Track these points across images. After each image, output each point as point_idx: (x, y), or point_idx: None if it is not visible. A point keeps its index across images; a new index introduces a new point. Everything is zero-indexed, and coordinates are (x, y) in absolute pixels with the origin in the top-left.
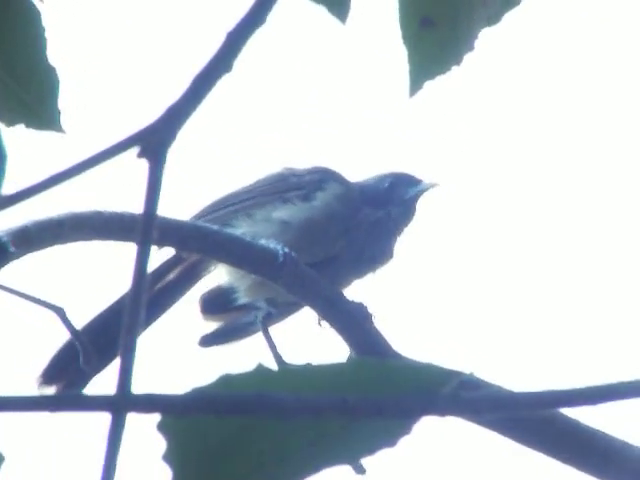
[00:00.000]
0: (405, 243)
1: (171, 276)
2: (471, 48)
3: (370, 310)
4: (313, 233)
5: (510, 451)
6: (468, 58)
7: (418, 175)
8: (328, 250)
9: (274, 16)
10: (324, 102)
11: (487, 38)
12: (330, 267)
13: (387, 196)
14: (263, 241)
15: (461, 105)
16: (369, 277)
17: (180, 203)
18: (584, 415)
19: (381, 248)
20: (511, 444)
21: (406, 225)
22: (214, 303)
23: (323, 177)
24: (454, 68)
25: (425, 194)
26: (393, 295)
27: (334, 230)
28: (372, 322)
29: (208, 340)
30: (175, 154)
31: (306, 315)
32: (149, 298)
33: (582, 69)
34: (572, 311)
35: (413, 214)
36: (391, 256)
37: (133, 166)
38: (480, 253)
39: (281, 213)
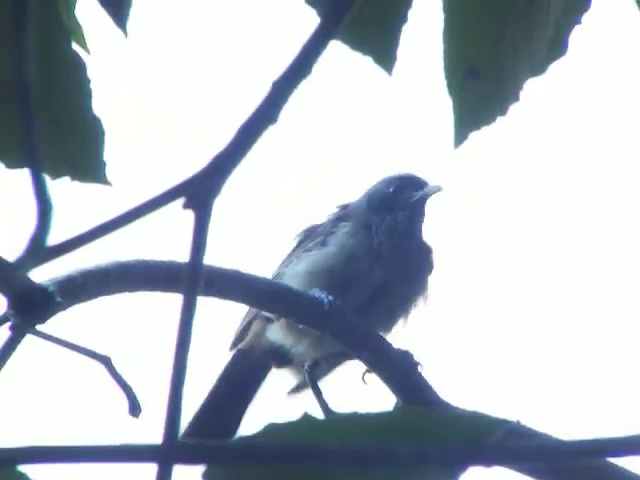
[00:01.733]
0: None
1: (252, 360)
2: (517, 99)
3: (416, 358)
4: (339, 275)
5: None
6: (513, 108)
7: (424, 177)
8: (368, 283)
9: (319, 67)
10: (370, 151)
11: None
12: (385, 296)
13: (393, 200)
14: (309, 290)
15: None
16: (419, 300)
17: (227, 252)
18: (634, 464)
19: (408, 249)
20: None
21: (417, 227)
22: (274, 356)
23: (337, 218)
24: (499, 118)
25: (431, 197)
26: (438, 342)
27: (361, 264)
28: (418, 370)
29: (294, 389)
30: (222, 204)
31: (353, 364)
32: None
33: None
34: (623, 357)
35: (421, 216)
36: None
37: (180, 216)
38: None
39: (303, 265)
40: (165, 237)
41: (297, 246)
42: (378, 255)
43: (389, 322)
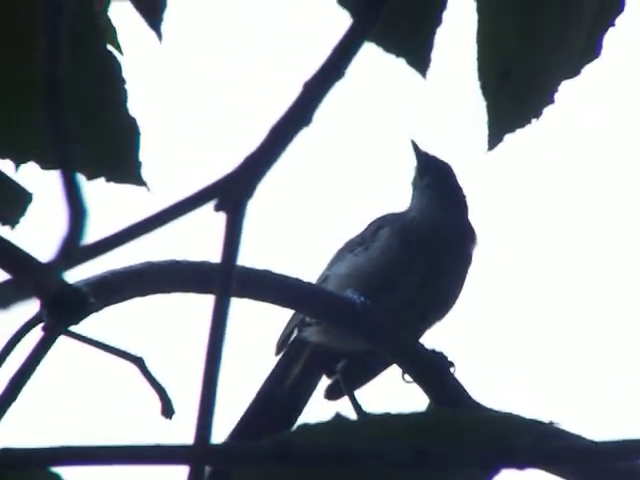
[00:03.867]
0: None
1: (298, 367)
2: (551, 101)
3: (449, 359)
4: (380, 278)
5: None
6: (547, 111)
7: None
8: (409, 285)
9: (353, 69)
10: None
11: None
12: (424, 297)
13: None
14: (342, 291)
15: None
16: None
17: (261, 254)
18: None
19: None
20: None
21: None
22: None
23: (379, 226)
24: (533, 121)
25: (420, 159)
26: (471, 343)
27: (403, 267)
28: (451, 371)
29: (331, 393)
30: (256, 206)
31: (389, 367)
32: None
33: None
34: None
35: (436, 184)
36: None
37: (214, 218)
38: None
39: (344, 267)
40: (201, 239)
41: (342, 249)
42: (418, 256)
43: (426, 323)
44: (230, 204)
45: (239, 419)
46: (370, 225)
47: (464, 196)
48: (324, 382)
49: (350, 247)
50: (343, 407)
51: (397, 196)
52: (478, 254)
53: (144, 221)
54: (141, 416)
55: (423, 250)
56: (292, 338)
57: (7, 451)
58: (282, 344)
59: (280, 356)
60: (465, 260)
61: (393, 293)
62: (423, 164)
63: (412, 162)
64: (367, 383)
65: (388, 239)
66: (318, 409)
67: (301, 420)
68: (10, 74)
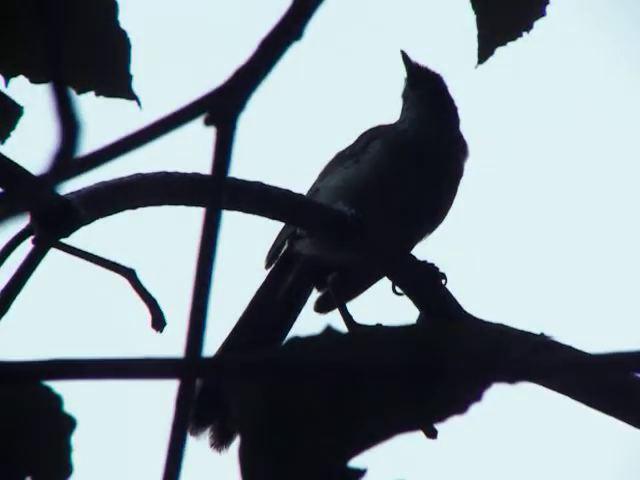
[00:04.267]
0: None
1: (288, 279)
2: (542, 14)
3: (440, 271)
4: (371, 190)
5: (584, 416)
6: (538, 24)
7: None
8: (400, 198)
9: None
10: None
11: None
12: (415, 208)
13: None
14: (332, 203)
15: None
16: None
17: (252, 169)
18: None
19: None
20: (584, 409)
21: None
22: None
23: (370, 138)
24: (524, 34)
25: (409, 68)
26: (463, 253)
27: (395, 180)
28: (442, 282)
29: (322, 305)
30: (246, 120)
31: (380, 279)
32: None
33: None
34: None
35: (427, 95)
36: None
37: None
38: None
39: (335, 180)
40: (194, 153)
41: (333, 162)
42: (410, 168)
43: (417, 235)
44: (220, 117)
45: (230, 332)
46: (361, 137)
47: (456, 108)
48: (315, 295)
49: (341, 160)
50: (334, 320)
51: (388, 108)
52: (469, 166)
53: (135, 134)
54: (132, 329)
55: (415, 162)
56: (283, 251)
57: None
58: (273, 257)
59: (270, 269)
60: (456, 172)
61: (384, 206)
62: (414, 75)
63: (403, 73)
64: (358, 295)
65: (379, 152)
66: (309, 322)
67: (292, 333)
68: None
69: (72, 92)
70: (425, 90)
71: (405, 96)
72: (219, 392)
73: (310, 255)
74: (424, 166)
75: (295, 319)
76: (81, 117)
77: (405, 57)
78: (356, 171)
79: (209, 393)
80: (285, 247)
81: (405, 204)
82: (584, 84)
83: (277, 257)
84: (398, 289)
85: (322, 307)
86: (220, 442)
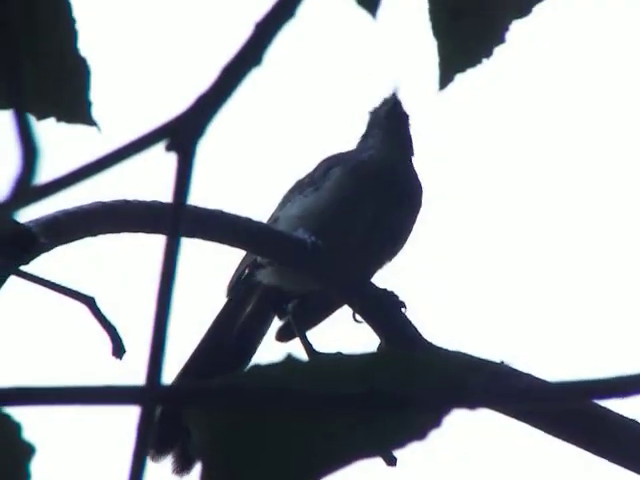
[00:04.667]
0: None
1: (249, 308)
2: (502, 40)
3: (400, 298)
4: (332, 218)
5: (542, 443)
6: (498, 51)
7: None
8: (360, 224)
9: (303, 10)
10: (353, 96)
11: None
12: (375, 237)
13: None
14: (293, 231)
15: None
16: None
17: (212, 195)
18: (617, 405)
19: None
20: (542, 435)
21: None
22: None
23: (329, 166)
24: (484, 61)
25: (396, 101)
26: (422, 283)
27: (352, 206)
28: (402, 310)
29: (283, 334)
30: (205, 147)
31: (340, 307)
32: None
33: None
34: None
35: (397, 125)
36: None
37: (164, 159)
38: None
39: (295, 208)
40: (153, 180)
41: (292, 190)
42: (370, 195)
43: (377, 263)
44: (181, 144)
45: (188, 360)
46: (319, 165)
47: (413, 147)
48: (276, 324)
49: (300, 188)
50: (295, 348)
51: (344, 135)
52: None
53: (95, 161)
54: (92, 357)
55: (377, 189)
56: (243, 278)
57: None
58: (234, 286)
59: (230, 297)
60: (416, 202)
61: (344, 233)
62: (394, 107)
63: (379, 103)
64: (318, 323)
65: (340, 177)
66: (270, 351)
67: (252, 362)
68: None
69: (32, 119)
70: (397, 124)
71: (374, 124)
72: (179, 418)
73: (271, 284)
74: (384, 193)
75: (255, 348)
76: (40, 143)
77: (396, 90)
78: (316, 199)
79: (169, 419)
80: (245, 275)
81: (365, 231)
82: (546, 108)
83: (238, 286)
84: (358, 317)
85: (283, 336)
86: (182, 467)
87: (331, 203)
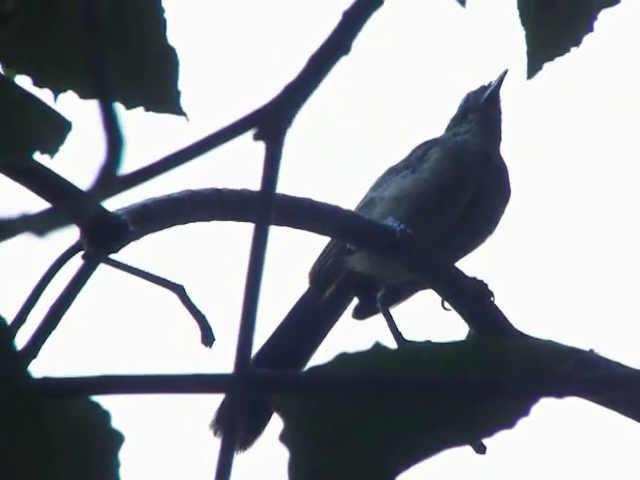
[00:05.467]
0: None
1: (328, 294)
2: (590, 29)
3: (489, 287)
4: (429, 200)
5: (631, 431)
6: (587, 40)
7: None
8: (456, 210)
9: None
10: (440, 86)
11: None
12: (468, 223)
13: (465, 110)
14: (382, 220)
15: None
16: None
17: (301, 184)
18: None
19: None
20: (631, 424)
21: (494, 124)
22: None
23: (426, 148)
24: (573, 50)
25: (499, 87)
26: (512, 271)
27: (456, 188)
28: (492, 299)
29: (360, 312)
30: (294, 136)
31: (428, 294)
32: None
33: None
34: None
35: (493, 112)
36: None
37: (253, 147)
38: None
39: (391, 189)
40: (241, 168)
41: (385, 174)
42: (468, 178)
43: (467, 250)
44: (269, 133)
45: (266, 341)
46: (415, 150)
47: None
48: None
49: (396, 171)
50: (380, 334)
51: (431, 126)
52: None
53: (184, 150)
54: (181, 345)
55: (475, 173)
56: (328, 266)
57: (47, 380)
58: (318, 273)
59: (313, 284)
60: (508, 189)
61: (438, 218)
62: (495, 93)
63: (476, 88)
64: (400, 303)
65: (440, 159)
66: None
67: (329, 341)
68: (50, 3)
69: (119, 108)
70: (494, 110)
71: (470, 109)
72: (266, 406)
73: (362, 271)
74: (482, 178)
75: (331, 328)
76: (126, 133)
77: (504, 75)
78: (414, 180)
79: (256, 407)
80: (330, 262)
81: (460, 216)
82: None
83: (322, 273)
84: (447, 305)
85: (360, 314)
86: (243, 444)
87: (430, 184)
